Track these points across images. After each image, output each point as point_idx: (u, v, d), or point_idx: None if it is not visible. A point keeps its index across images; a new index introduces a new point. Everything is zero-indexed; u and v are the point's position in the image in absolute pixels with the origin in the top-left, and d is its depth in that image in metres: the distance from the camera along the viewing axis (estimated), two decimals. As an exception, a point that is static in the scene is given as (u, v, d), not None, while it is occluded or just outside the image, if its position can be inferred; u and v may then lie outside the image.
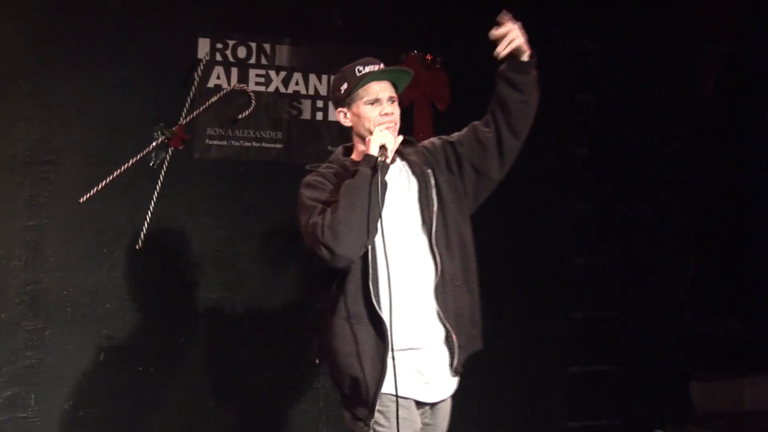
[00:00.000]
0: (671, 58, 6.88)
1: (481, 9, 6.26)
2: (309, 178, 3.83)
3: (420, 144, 3.98)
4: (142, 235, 5.49)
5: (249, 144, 5.78)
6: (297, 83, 5.90)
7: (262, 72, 5.81)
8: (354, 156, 3.91)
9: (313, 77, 5.93)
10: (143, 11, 5.55)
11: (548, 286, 6.58)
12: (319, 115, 5.95)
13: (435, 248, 3.75)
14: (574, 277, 6.65)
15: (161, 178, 5.52)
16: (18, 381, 5.33)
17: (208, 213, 5.70)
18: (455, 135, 3.97)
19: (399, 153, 3.85)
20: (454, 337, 3.76)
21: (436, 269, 3.74)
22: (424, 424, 3.84)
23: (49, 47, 5.39)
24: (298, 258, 5.88)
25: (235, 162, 5.78)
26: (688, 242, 7.16)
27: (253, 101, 5.76)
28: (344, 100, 3.86)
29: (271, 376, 5.85)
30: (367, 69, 3.80)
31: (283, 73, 5.87)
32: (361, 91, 3.81)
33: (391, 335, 3.63)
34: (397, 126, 3.83)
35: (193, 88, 5.62)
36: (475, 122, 3.98)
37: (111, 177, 5.42)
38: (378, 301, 3.64)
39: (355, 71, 3.81)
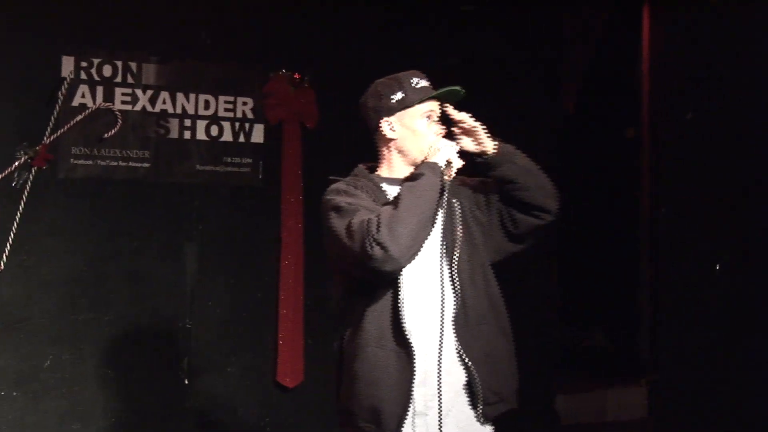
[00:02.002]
0: (533, 75, 7.04)
1: (348, 28, 6.39)
2: (338, 185, 3.59)
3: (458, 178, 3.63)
4: (4, 256, 5.38)
5: (116, 163, 5.72)
6: (164, 102, 5.85)
7: (129, 90, 5.75)
8: (385, 172, 3.65)
9: (180, 96, 5.89)
10: (5, 27, 5.44)
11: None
12: (187, 134, 5.91)
13: (456, 278, 3.47)
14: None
15: (24, 198, 5.42)
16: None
17: (73, 233, 5.62)
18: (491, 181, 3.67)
19: None
20: (478, 377, 3.47)
21: (456, 300, 3.47)
22: None
23: None
24: (167, 276, 5.85)
25: (101, 181, 5.70)
26: (551, 254, 7.32)
27: (120, 120, 5.70)
28: (395, 111, 3.57)
29: (139, 397, 5.78)
30: (423, 83, 3.57)
31: (149, 92, 5.82)
32: (418, 105, 3.54)
33: (417, 360, 3.38)
34: None
35: (57, 107, 5.53)
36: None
37: (-28, 197, 5.31)
38: (405, 325, 3.38)
39: (411, 83, 3.55)
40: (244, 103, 6.06)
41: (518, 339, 6.80)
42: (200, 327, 5.93)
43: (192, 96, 5.92)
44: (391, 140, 3.61)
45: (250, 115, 6.08)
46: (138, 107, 5.79)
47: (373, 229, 3.25)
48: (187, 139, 5.93)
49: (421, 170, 3.41)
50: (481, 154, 3.60)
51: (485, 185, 3.68)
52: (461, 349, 3.46)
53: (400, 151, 3.60)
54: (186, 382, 5.88)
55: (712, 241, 6.20)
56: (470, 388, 3.50)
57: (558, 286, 7.49)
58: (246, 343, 6.09)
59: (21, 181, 5.43)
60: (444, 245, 3.50)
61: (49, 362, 5.54)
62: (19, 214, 5.41)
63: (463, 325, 3.47)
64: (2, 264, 5.37)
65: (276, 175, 6.16)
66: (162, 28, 5.88)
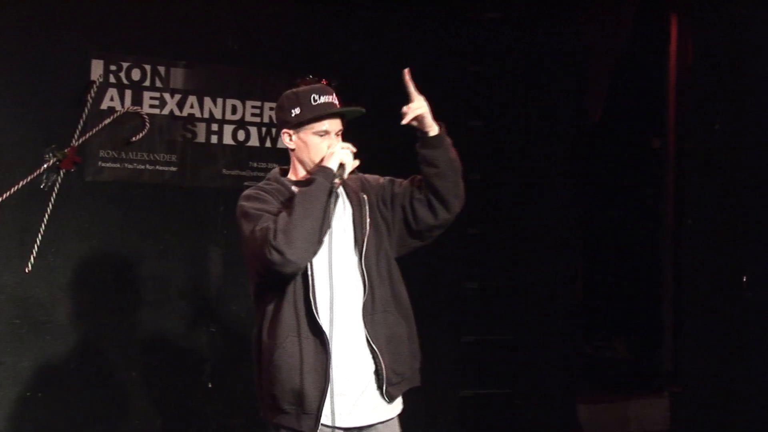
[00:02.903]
0: (559, 83, 7.04)
1: (376, 34, 6.40)
2: (249, 191, 3.85)
3: (360, 174, 4.02)
4: (31, 258, 5.41)
5: (142, 166, 5.74)
6: (192, 106, 5.88)
7: (157, 94, 5.78)
8: (293, 176, 3.91)
9: (207, 100, 5.92)
10: (36, 32, 5.48)
11: (440, 310, 6.64)
12: (214, 138, 5.94)
13: (364, 268, 3.77)
14: (465, 301, 6.73)
15: (52, 200, 5.45)
16: None
17: (99, 236, 5.64)
18: (399, 180, 4.03)
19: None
20: (382, 361, 3.75)
21: (365, 289, 3.76)
22: None
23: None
24: (191, 280, 5.86)
25: (128, 184, 5.73)
26: (574, 265, 7.31)
27: (147, 124, 5.73)
28: (293, 124, 3.84)
29: (163, 400, 5.80)
30: (323, 99, 3.84)
31: (177, 96, 5.85)
32: (313, 123, 3.83)
33: (332, 345, 3.65)
34: None
35: (86, 110, 5.56)
36: (416, 178, 4.00)
37: (1, 199, 5.33)
38: (318, 314, 3.65)
39: (310, 99, 3.82)
40: (271, 108, 6.07)
41: (542, 350, 6.86)
42: (224, 331, 5.94)
43: (219, 100, 5.94)
44: (291, 149, 3.92)
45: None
46: (166, 111, 5.82)
47: (271, 236, 3.54)
48: (214, 144, 5.95)
49: (314, 175, 3.71)
50: (421, 130, 3.97)
51: (392, 183, 4.01)
52: (368, 336, 3.75)
53: (299, 160, 3.90)
54: (209, 385, 5.89)
55: (737, 253, 6.18)
56: (377, 368, 3.78)
57: (581, 296, 7.47)
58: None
59: (49, 183, 5.46)
60: (354, 238, 3.81)
61: (74, 364, 5.56)
62: (46, 216, 5.44)
63: (370, 312, 3.77)
64: (30, 265, 5.40)
65: (302, 181, 6.17)
66: (190, 33, 5.90)
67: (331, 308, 3.69)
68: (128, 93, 5.70)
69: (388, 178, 4.05)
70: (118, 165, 5.69)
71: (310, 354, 3.66)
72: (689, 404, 6.80)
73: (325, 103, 3.84)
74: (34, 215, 5.43)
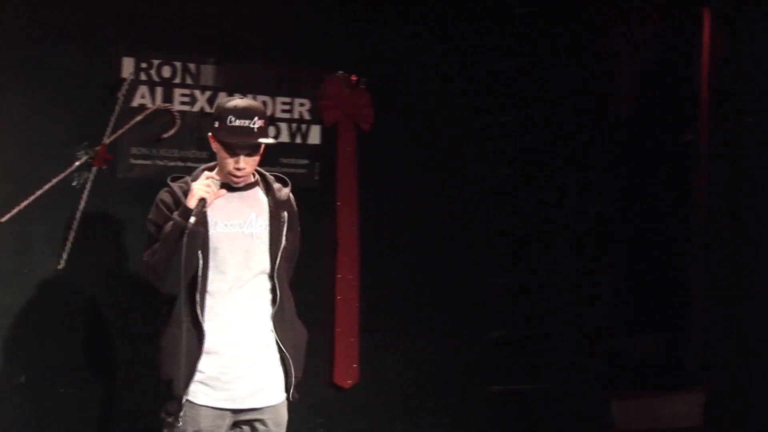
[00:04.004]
0: (588, 78, 7.02)
1: (405, 30, 6.40)
2: (162, 194, 4.31)
3: (292, 195, 4.47)
4: (64, 254, 5.43)
5: (173, 163, 5.74)
6: (222, 103, 5.89)
7: (187, 92, 5.79)
8: (217, 175, 4.27)
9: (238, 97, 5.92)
10: (67, 29, 5.49)
11: (468, 306, 6.65)
12: (244, 135, 5.94)
13: (276, 280, 4.28)
14: (493, 297, 6.72)
15: (84, 197, 5.47)
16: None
17: (131, 232, 5.64)
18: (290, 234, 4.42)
19: (267, 186, 4.38)
20: (291, 364, 4.30)
21: (274, 299, 4.30)
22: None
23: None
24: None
25: (159, 181, 5.71)
26: (604, 260, 7.28)
27: (178, 121, 5.74)
28: (213, 132, 4.23)
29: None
30: (238, 123, 4.13)
31: (207, 93, 5.86)
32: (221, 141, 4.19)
33: (203, 340, 4.14)
34: (247, 178, 4.28)
35: (117, 108, 5.56)
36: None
37: (33, 196, 5.35)
38: (202, 310, 4.15)
39: (227, 119, 4.14)
40: (301, 105, 6.08)
41: (571, 345, 6.84)
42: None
43: (249, 97, 5.93)
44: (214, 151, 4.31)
45: (306, 117, 6.10)
46: (196, 108, 5.83)
47: (147, 272, 4.20)
48: (245, 140, 5.95)
49: (174, 216, 4.12)
50: None
51: (296, 234, 4.50)
52: (279, 339, 4.28)
53: (218, 162, 4.31)
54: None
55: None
56: (285, 369, 4.31)
57: (610, 291, 7.44)
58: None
59: (81, 181, 5.47)
60: (270, 250, 4.28)
61: (106, 360, 5.59)
62: (78, 213, 5.46)
63: (280, 320, 4.29)
64: (62, 262, 5.42)
65: (332, 177, 6.18)
66: (220, 29, 5.90)
67: (205, 302, 4.18)
68: (159, 90, 5.71)
69: (296, 233, 4.52)
70: (149, 162, 5.70)
71: (185, 344, 4.12)
72: (723, 400, 6.77)
73: (238, 127, 4.13)
74: (66, 213, 5.45)
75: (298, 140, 6.09)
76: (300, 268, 6.03)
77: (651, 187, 8.30)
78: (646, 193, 8.31)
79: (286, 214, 4.35)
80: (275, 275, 4.28)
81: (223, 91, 5.87)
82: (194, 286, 4.16)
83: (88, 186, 5.48)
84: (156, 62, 5.71)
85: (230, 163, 4.19)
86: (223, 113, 4.17)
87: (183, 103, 5.79)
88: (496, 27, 6.66)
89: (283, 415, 4.34)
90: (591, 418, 7.01)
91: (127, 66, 5.63)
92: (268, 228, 4.28)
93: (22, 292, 5.40)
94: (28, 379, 5.40)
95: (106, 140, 5.53)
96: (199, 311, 4.15)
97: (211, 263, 4.18)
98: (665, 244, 8.32)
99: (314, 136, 6.13)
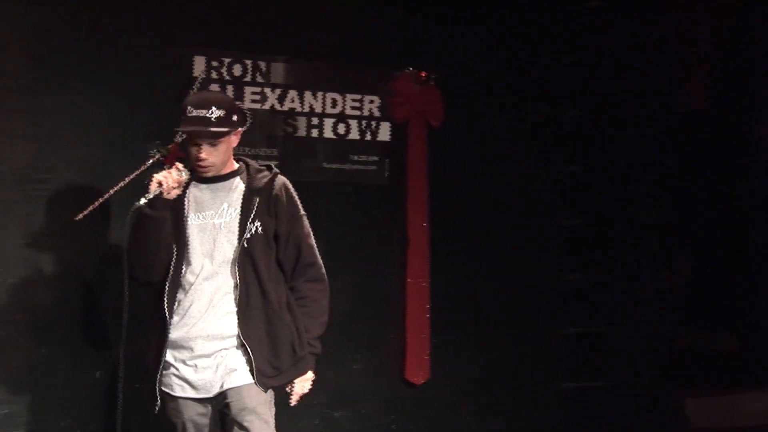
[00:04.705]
0: (661, 71, 6.93)
1: (475, 26, 6.37)
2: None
3: (278, 178, 4.33)
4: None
5: (248, 161, 5.79)
6: (292, 100, 5.92)
7: (258, 89, 5.82)
8: None
9: (308, 94, 5.95)
10: (139, 29, 5.55)
11: (541, 302, 6.61)
12: (314, 132, 5.97)
13: (239, 270, 4.15)
14: (567, 293, 6.67)
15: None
16: (14, 399, 5.30)
17: (203, 230, 5.69)
18: (293, 235, 4.32)
19: (247, 174, 4.28)
20: (252, 356, 4.13)
21: (236, 287, 4.15)
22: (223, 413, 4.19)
23: (43, 65, 5.38)
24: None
25: (230, 179, 5.77)
26: (679, 257, 7.19)
27: (249, 118, 5.76)
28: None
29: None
30: (195, 113, 4.12)
31: (278, 91, 5.89)
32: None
33: (167, 332, 4.18)
34: (214, 167, 4.21)
35: (189, 106, 5.61)
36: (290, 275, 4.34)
37: (107, 195, 5.40)
38: (170, 303, 4.18)
39: (187, 109, 4.15)
40: (371, 102, 6.09)
41: (645, 342, 6.76)
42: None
43: (319, 94, 5.97)
44: None
45: (376, 114, 6.11)
46: (266, 106, 5.87)
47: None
48: (314, 138, 5.98)
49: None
50: None
51: (288, 229, 4.31)
52: (240, 332, 4.14)
53: None
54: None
55: None
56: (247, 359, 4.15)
57: (685, 287, 7.35)
58: (371, 341, 6.12)
59: (154, 179, 5.52)
60: (238, 237, 4.16)
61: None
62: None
63: (243, 312, 4.14)
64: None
65: (402, 174, 6.17)
66: (290, 27, 5.93)
67: (178, 295, 4.19)
68: (230, 88, 5.75)
69: (292, 202, 4.37)
70: (220, 160, 5.74)
71: (156, 335, 4.24)
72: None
73: (195, 117, 4.11)
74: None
75: (368, 137, 6.10)
76: (371, 265, 6.10)
77: (725, 180, 8.18)
78: (721, 187, 8.19)
79: (258, 199, 4.20)
80: (237, 265, 4.15)
81: (293, 89, 5.91)
82: (166, 279, 4.19)
83: (160, 184, 5.52)
84: (227, 60, 5.75)
85: (193, 152, 4.19)
86: (185, 104, 4.19)
87: (253, 101, 5.82)
88: (567, 21, 6.60)
89: (249, 399, 4.15)
90: (664, 416, 6.93)
91: (199, 64, 5.68)
92: (238, 217, 4.20)
93: (97, 289, 5.47)
94: (103, 375, 5.46)
95: (178, 139, 5.57)
96: (166, 304, 4.18)
97: (183, 255, 4.18)
98: (741, 239, 8.20)
99: (384, 133, 6.14)
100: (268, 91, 5.86)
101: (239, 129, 4.30)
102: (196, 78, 5.63)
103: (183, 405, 4.22)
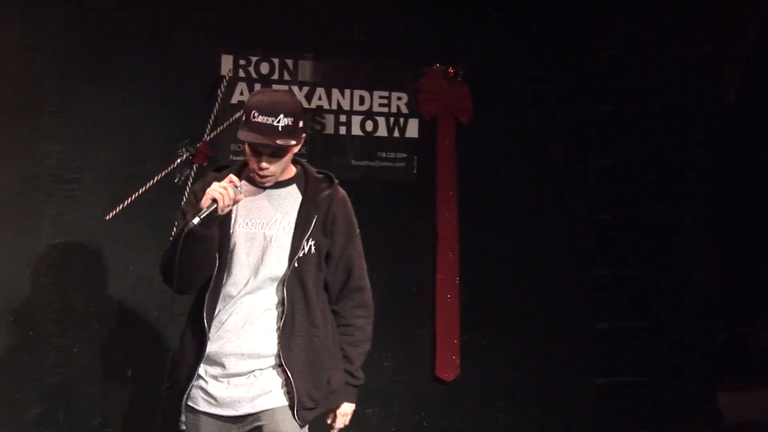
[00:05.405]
0: (693, 65, 6.88)
1: (502, 22, 6.34)
2: (196, 183, 4.11)
3: (337, 192, 3.98)
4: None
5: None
6: (320, 98, 5.92)
7: (285, 87, 5.82)
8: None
9: (335, 92, 5.95)
10: (166, 28, 5.58)
11: (574, 297, 6.58)
12: (342, 130, 5.97)
13: (287, 291, 3.82)
14: (599, 288, 6.64)
15: (186, 194, 5.54)
16: (46, 398, 5.36)
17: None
18: (344, 257, 4.01)
19: (305, 182, 3.91)
20: (294, 386, 3.80)
21: (284, 309, 3.82)
22: None
23: (72, 65, 5.43)
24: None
25: (258, 177, 5.78)
26: (713, 250, 7.13)
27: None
28: (239, 126, 3.82)
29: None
30: (260, 119, 3.70)
31: (306, 89, 5.90)
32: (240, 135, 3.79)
33: (205, 346, 3.83)
34: (274, 178, 3.83)
35: (217, 105, 5.63)
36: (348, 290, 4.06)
37: (136, 194, 5.44)
38: (210, 314, 3.83)
39: (251, 114, 3.73)
40: (399, 98, 6.08)
41: (679, 336, 6.71)
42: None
43: (347, 92, 5.97)
44: None
45: (404, 110, 6.10)
46: (294, 104, 5.87)
47: (159, 268, 3.91)
48: (343, 135, 5.98)
49: (188, 216, 3.73)
50: None
51: (341, 250, 3.98)
52: (281, 357, 3.82)
53: None
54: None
55: None
56: (287, 390, 3.83)
57: (720, 282, 7.29)
58: (401, 337, 6.12)
59: (183, 178, 5.55)
60: (289, 254, 3.82)
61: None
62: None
63: (287, 335, 3.82)
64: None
65: (430, 170, 6.16)
66: (317, 25, 5.94)
67: (219, 308, 3.85)
68: (257, 87, 5.75)
69: (349, 222, 4.03)
70: (249, 158, 5.75)
71: (190, 347, 3.89)
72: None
73: (259, 124, 3.70)
74: (168, 210, 5.49)
75: (396, 134, 6.09)
76: (400, 261, 6.09)
77: (760, 174, 8.12)
78: (756, 180, 8.13)
79: (317, 216, 3.85)
80: (285, 285, 3.82)
81: (320, 86, 5.92)
82: (206, 288, 3.84)
83: (189, 183, 5.54)
84: (254, 59, 5.76)
85: (253, 161, 3.79)
86: (248, 108, 3.77)
87: (281, 99, 5.82)
88: (597, 15, 6.56)
89: (285, 425, 3.81)
90: (698, 410, 6.88)
91: (226, 63, 5.70)
92: (291, 231, 3.84)
93: (128, 288, 5.50)
94: (134, 373, 5.49)
95: (207, 137, 5.60)
96: (204, 315, 3.83)
97: (226, 264, 3.83)
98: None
99: (412, 129, 6.12)
100: (295, 89, 5.86)
101: (304, 135, 3.91)
102: (224, 77, 5.65)
103: (203, 421, 3.88)
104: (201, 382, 3.87)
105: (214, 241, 3.76)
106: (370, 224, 5.95)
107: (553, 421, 6.53)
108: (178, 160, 5.55)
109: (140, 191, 5.45)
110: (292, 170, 3.94)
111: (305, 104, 5.85)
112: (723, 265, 7.44)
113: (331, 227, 3.90)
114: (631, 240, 6.74)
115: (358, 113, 6.01)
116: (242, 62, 5.73)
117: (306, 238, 3.82)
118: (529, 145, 6.47)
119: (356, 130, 6.00)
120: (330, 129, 5.95)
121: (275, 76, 5.82)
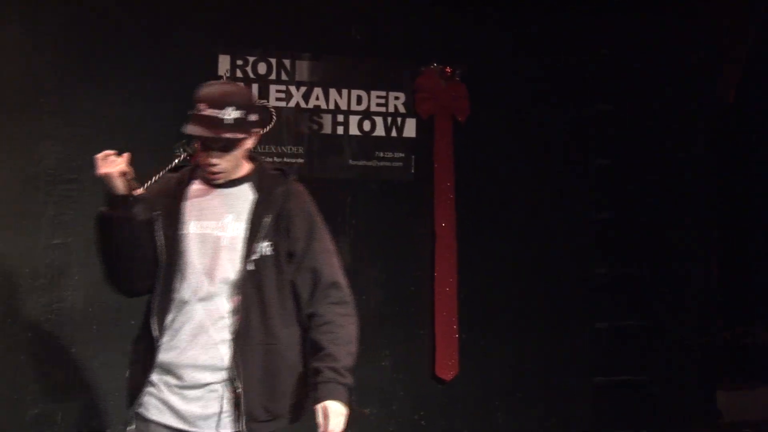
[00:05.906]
0: (692, 65, 6.88)
1: (501, 22, 6.35)
2: (154, 185, 3.89)
3: (292, 188, 3.69)
4: (165, 251, 5.51)
5: (270, 159, 5.78)
6: (317, 98, 5.94)
7: (283, 87, 5.85)
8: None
9: (333, 92, 5.97)
10: (164, 29, 5.60)
11: (573, 297, 6.58)
12: (340, 129, 5.99)
13: (243, 295, 3.52)
14: (599, 287, 6.64)
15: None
16: (45, 399, 5.36)
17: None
18: (306, 257, 3.63)
19: (259, 179, 3.65)
20: (242, 396, 3.49)
21: (239, 317, 3.51)
22: None
23: (72, 65, 5.45)
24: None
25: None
26: (711, 250, 7.13)
27: (274, 117, 5.78)
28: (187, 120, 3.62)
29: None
30: (206, 112, 3.50)
31: (303, 88, 5.91)
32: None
33: (156, 354, 3.54)
34: (225, 174, 3.60)
35: (214, 105, 5.64)
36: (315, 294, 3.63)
37: (136, 194, 5.43)
38: (160, 321, 3.55)
39: (197, 106, 3.54)
40: (396, 98, 6.09)
41: (677, 336, 6.72)
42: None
43: (344, 91, 5.98)
44: None
45: (402, 110, 6.11)
46: (292, 103, 5.89)
47: None
48: (340, 135, 6.00)
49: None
50: None
51: (304, 248, 3.62)
52: (236, 365, 3.50)
53: None
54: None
55: None
56: (235, 401, 3.52)
57: (718, 281, 7.29)
58: (400, 337, 6.12)
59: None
60: (243, 256, 3.53)
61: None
62: (178, 209, 5.54)
63: (242, 343, 3.50)
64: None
65: (428, 170, 6.17)
66: (314, 25, 5.95)
67: (168, 317, 3.56)
68: (255, 87, 5.77)
69: (309, 233, 3.66)
70: (246, 158, 5.77)
71: (141, 354, 3.63)
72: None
73: (206, 117, 3.49)
74: (166, 209, 5.54)
75: (394, 134, 6.10)
76: (398, 261, 6.09)
77: (758, 174, 8.12)
78: (753, 181, 8.13)
79: (271, 215, 3.57)
80: (241, 290, 3.51)
81: (318, 86, 5.93)
82: (155, 291, 3.58)
83: (187, 183, 5.55)
84: (251, 59, 5.78)
85: (202, 157, 3.60)
86: (196, 98, 3.55)
87: (278, 99, 5.85)
88: (597, 15, 6.56)
89: None
90: (697, 410, 6.88)
91: (223, 63, 5.72)
92: (243, 234, 3.55)
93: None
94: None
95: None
96: (153, 322, 3.55)
97: (177, 268, 3.54)
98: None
99: (410, 129, 6.13)
100: (293, 89, 5.88)
101: (258, 130, 3.63)
102: (221, 77, 5.66)
103: (152, 429, 3.60)
104: (154, 390, 3.58)
105: (134, 225, 3.54)
106: (368, 224, 6.02)
107: (553, 421, 6.53)
108: (176, 161, 5.54)
109: (140, 191, 5.44)
110: (247, 168, 3.68)
111: (303, 104, 5.87)
112: (722, 265, 7.44)
113: (288, 224, 3.60)
114: (630, 240, 6.74)
115: (355, 113, 6.03)
116: (239, 62, 5.75)
117: (259, 238, 3.53)
118: (528, 145, 6.47)
119: (354, 130, 6.02)
120: (327, 129, 5.97)
121: (272, 76, 5.83)
